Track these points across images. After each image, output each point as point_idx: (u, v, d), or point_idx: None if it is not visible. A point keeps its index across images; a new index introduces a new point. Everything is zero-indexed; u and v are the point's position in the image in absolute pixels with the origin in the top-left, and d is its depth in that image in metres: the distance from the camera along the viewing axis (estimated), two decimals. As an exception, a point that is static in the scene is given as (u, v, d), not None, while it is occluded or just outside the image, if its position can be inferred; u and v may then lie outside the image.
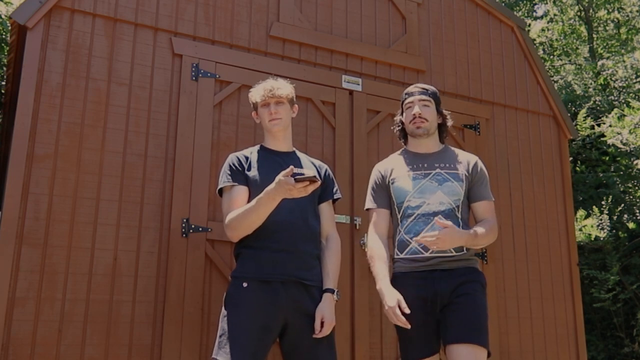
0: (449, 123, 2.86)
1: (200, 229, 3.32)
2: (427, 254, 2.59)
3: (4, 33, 7.07)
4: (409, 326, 2.49)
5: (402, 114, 2.87)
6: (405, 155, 2.83)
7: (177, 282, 3.23)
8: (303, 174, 2.35)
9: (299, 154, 2.88)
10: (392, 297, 2.53)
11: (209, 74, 3.58)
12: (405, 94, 2.86)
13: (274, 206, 2.49)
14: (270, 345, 2.55)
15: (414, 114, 2.75)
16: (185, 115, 3.46)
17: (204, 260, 3.32)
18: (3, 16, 6.84)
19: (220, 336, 2.51)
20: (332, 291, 2.65)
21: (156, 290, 3.20)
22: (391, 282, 2.70)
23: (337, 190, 2.89)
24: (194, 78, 3.53)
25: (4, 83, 6.83)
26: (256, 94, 2.80)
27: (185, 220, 3.31)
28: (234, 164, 2.72)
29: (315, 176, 2.34)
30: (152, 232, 3.26)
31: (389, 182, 2.78)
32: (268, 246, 2.57)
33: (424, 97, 2.78)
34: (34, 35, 3.19)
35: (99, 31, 3.37)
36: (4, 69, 6.90)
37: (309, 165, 2.81)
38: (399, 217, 2.72)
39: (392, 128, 3.04)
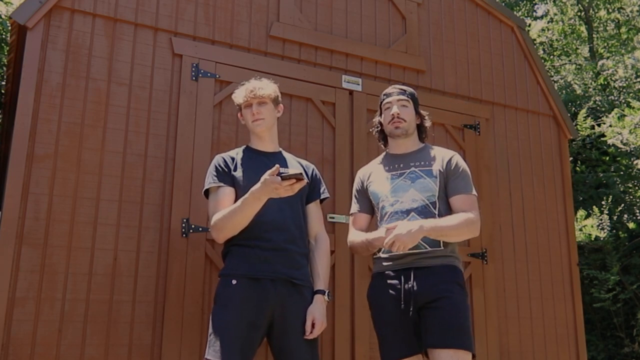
0: (427, 124, 2.86)
1: (200, 229, 3.32)
2: (401, 251, 2.54)
3: (4, 33, 7.07)
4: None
5: (380, 115, 2.87)
6: (385, 158, 2.85)
7: (177, 282, 3.23)
8: (288, 173, 2.35)
9: (285, 154, 2.87)
10: (380, 231, 2.55)
11: (209, 74, 3.58)
12: (384, 94, 2.85)
13: (259, 206, 2.48)
14: (259, 342, 2.55)
15: (393, 114, 2.74)
16: (185, 115, 3.46)
17: (204, 260, 3.32)
18: (3, 16, 6.84)
19: (210, 335, 2.51)
20: (323, 292, 2.65)
21: (156, 290, 3.21)
22: (370, 284, 2.76)
23: (324, 190, 2.89)
24: (194, 78, 3.53)
25: (4, 83, 6.84)
26: (239, 95, 2.80)
27: (185, 220, 3.31)
28: (219, 165, 2.72)
29: (301, 174, 2.33)
30: (152, 232, 3.27)
31: (366, 186, 2.80)
32: (258, 245, 2.57)
33: (402, 97, 2.78)
34: (34, 35, 3.20)
35: (99, 31, 3.37)
36: (4, 69, 6.91)
37: (296, 165, 2.81)
38: (378, 218, 2.75)
39: (370, 130, 3.04)
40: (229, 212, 2.53)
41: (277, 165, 2.36)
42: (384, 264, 2.66)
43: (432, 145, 2.84)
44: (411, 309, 2.53)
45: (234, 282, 2.55)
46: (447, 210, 2.66)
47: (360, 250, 2.72)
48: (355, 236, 2.74)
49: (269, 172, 2.35)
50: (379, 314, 2.64)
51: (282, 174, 2.33)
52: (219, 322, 2.51)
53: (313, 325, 2.55)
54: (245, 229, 2.57)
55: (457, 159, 2.73)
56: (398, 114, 2.73)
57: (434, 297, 2.50)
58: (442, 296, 2.50)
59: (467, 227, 2.55)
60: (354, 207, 2.86)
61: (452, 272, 2.59)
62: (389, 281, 2.60)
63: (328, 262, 2.77)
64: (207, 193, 2.76)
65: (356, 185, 2.88)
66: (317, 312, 2.58)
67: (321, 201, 2.88)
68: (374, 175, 2.80)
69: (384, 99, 2.84)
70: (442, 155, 2.74)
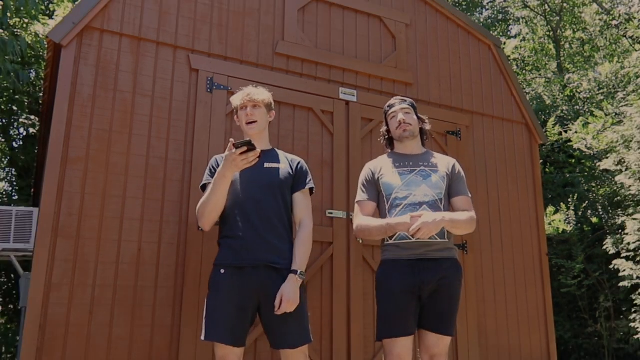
0: (427, 127, 2.89)
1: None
2: (413, 239, 2.56)
3: (41, 50, 7.09)
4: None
5: (387, 124, 2.88)
6: (393, 156, 2.83)
7: (194, 270, 3.23)
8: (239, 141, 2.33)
9: (277, 151, 2.79)
10: (405, 216, 2.51)
11: (222, 87, 3.58)
12: (388, 106, 2.87)
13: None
14: (249, 323, 2.51)
15: (400, 121, 2.77)
16: (201, 123, 3.46)
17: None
18: (41, 35, 6.86)
19: (204, 318, 2.49)
20: (295, 272, 2.52)
21: (175, 277, 3.21)
22: (380, 268, 2.69)
23: (310, 180, 2.75)
24: (209, 90, 3.53)
25: (41, 94, 6.85)
26: (236, 99, 2.76)
27: (201, 216, 3.31)
28: (213, 166, 2.69)
29: (250, 141, 2.31)
30: (172, 226, 3.26)
31: (378, 178, 2.77)
32: (241, 236, 2.53)
33: (404, 105, 2.82)
34: (68, 52, 3.20)
35: (125, 49, 3.37)
36: (42, 82, 6.93)
37: (283, 160, 2.73)
38: (387, 207, 2.70)
39: (378, 140, 3.02)
40: (205, 198, 2.53)
41: (231, 140, 2.37)
42: (398, 251, 2.62)
43: (433, 152, 2.88)
44: (420, 295, 2.58)
45: (222, 271, 2.52)
46: (448, 207, 2.72)
47: (376, 233, 2.63)
48: (370, 221, 2.67)
49: (227, 148, 2.36)
50: (388, 295, 2.59)
51: (235, 143, 2.33)
52: (211, 307, 2.48)
53: (282, 302, 2.45)
54: (231, 223, 2.56)
55: (459, 166, 2.82)
56: (404, 120, 2.77)
57: (438, 289, 2.58)
58: (445, 289, 2.59)
59: (471, 223, 2.66)
60: (362, 195, 2.78)
61: (456, 266, 2.66)
62: (402, 268, 2.59)
63: (306, 246, 2.60)
64: (203, 190, 2.70)
65: (366, 176, 2.81)
66: (286, 289, 2.46)
67: (311, 192, 2.76)
68: (385, 169, 2.77)
69: (388, 110, 2.86)
70: (446, 161, 2.80)
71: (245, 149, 2.31)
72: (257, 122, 2.70)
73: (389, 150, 2.91)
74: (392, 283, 2.59)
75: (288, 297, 2.45)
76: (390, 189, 2.70)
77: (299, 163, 2.76)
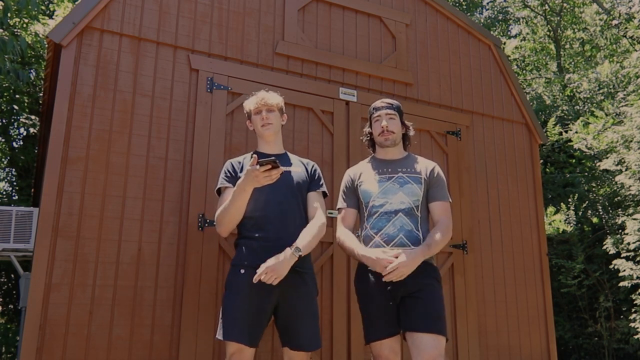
0: (411, 133, 2.85)
1: (215, 223, 3.32)
2: (388, 248, 2.55)
3: (41, 50, 7.10)
4: (395, 262, 2.44)
5: (370, 126, 2.85)
6: (373, 161, 2.81)
7: (194, 270, 3.23)
8: (264, 160, 2.31)
9: (290, 155, 2.83)
10: (376, 251, 2.51)
11: (222, 87, 3.58)
12: (373, 108, 2.83)
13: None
14: (266, 324, 2.54)
15: (382, 127, 2.73)
16: (201, 123, 3.46)
17: (218, 251, 3.32)
18: (41, 35, 6.87)
19: (222, 318, 2.49)
20: (291, 247, 2.50)
21: (175, 277, 3.21)
22: (356, 273, 2.70)
23: (322, 184, 2.80)
24: (209, 90, 3.54)
25: (41, 94, 6.86)
26: (250, 103, 2.79)
27: (201, 216, 3.31)
28: (228, 170, 2.71)
29: (275, 160, 2.30)
30: (172, 226, 3.27)
31: (357, 185, 2.76)
32: (262, 237, 2.55)
33: (390, 111, 2.76)
34: (68, 52, 3.20)
35: (125, 49, 3.37)
36: (42, 82, 6.93)
37: (297, 164, 2.77)
38: (365, 215, 2.70)
39: (360, 138, 3.00)
40: (223, 208, 2.54)
41: (254, 156, 2.35)
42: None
43: (414, 155, 2.84)
44: (396, 295, 2.54)
45: (242, 271, 2.52)
46: (426, 212, 2.69)
47: (348, 252, 2.68)
48: (345, 237, 2.67)
49: (249, 163, 2.35)
50: (368, 300, 2.61)
51: (260, 161, 2.32)
52: (230, 307, 2.49)
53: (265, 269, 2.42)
54: (252, 225, 2.57)
55: (438, 169, 2.76)
56: (387, 126, 2.73)
57: (417, 288, 2.51)
58: (424, 288, 2.51)
59: (447, 236, 2.61)
60: (342, 203, 2.81)
61: (432, 269, 2.61)
62: (376, 272, 2.56)
63: (313, 231, 2.60)
64: (219, 193, 2.75)
65: (346, 182, 2.82)
66: (272, 260, 2.43)
67: (324, 196, 2.80)
68: (364, 175, 2.76)
69: (373, 113, 2.81)
70: (425, 165, 2.75)
71: (269, 166, 2.31)
72: (272, 124, 2.74)
73: (371, 151, 2.89)
74: (369, 286, 2.58)
75: (268, 265, 2.41)
76: (368, 196, 2.69)
77: (313, 166, 2.82)
